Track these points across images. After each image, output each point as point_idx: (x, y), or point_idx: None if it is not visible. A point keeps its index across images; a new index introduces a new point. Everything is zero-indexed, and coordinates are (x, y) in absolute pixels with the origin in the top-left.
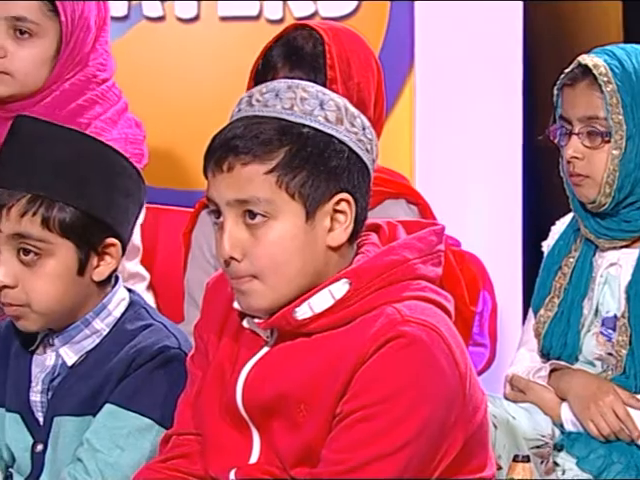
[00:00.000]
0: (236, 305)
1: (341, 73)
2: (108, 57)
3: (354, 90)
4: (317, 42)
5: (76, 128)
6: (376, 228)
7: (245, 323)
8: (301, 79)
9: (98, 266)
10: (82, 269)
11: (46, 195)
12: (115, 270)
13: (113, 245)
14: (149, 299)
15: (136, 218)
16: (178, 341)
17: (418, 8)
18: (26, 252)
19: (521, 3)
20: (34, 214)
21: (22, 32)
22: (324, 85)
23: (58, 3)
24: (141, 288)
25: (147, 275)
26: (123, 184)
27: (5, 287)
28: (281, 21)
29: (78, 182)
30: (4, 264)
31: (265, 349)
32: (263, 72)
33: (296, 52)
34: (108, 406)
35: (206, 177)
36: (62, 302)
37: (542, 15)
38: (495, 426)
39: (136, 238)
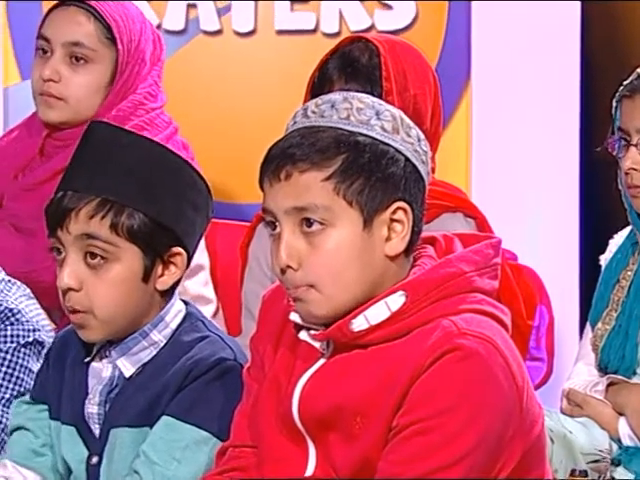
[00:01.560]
0: (292, 317)
1: (397, 85)
2: (158, 89)
3: (410, 102)
4: (373, 54)
5: (150, 137)
6: (432, 241)
7: (301, 335)
8: (357, 91)
9: (162, 275)
10: (147, 276)
11: (116, 199)
12: (179, 281)
13: (179, 254)
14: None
15: (202, 233)
16: (234, 353)
17: (475, 21)
18: (93, 255)
19: (578, 3)
20: (103, 217)
21: (78, 58)
22: (380, 97)
23: (115, 31)
24: (207, 312)
25: (214, 299)
26: (192, 197)
27: (70, 290)
28: (337, 34)
29: (148, 189)
30: (70, 266)
31: (321, 361)
32: (319, 85)
33: (352, 64)
34: (165, 418)
35: (262, 188)
36: (125, 309)
37: (598, 16)
38: (552, 440)
39: (200, 256)
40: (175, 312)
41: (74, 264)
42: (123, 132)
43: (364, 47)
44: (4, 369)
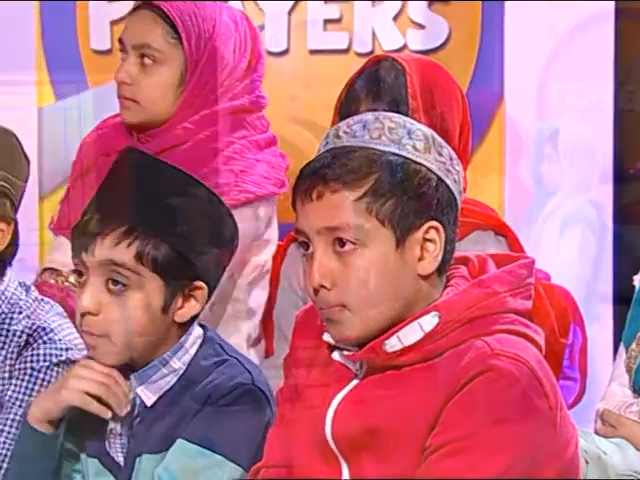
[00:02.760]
0: (325, 338)
1: (423, 102)
2: (259, 93)
3: (437, 119)
4: (399, 73)
5: (184, 170)
6: (466, 261)
7: (334, 356)
8: (383, 110)
9: (182, 307)
10: (166, 308)
11: (144, 229)
12: (198, 315)
13: (200, 288)
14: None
15: (225, 266)
16: (252, 376)
17: (508, 41)
18: (115, 282)
19: (612, 4)
20: (129, 245)
21: (147, 60)
22: (406, 115)
23: (181, 30)
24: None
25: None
26: (219, 231)
27: (88, 314)
28: (370, 54)
29: (177, 222)
30: (90, 290)
31: (354, 382)
32: (346, 105)
33: (378, 84)
34: (180, 442)
35: (294, 209)
36: (141, 337)
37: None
38: (587, 462)
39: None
40: (194, 338)
41: (94, 289)
42: (158, 162)
43: (390, 66)
44: (37, 387)
